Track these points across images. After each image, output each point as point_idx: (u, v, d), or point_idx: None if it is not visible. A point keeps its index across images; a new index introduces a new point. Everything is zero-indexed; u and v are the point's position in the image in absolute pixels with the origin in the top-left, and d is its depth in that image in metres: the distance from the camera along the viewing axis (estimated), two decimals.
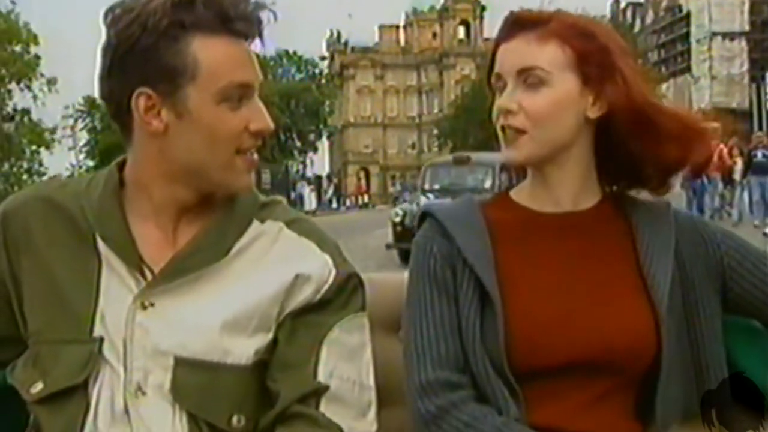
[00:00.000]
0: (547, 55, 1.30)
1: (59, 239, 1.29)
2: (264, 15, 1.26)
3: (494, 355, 1.26)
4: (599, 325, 1.28)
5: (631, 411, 1.30)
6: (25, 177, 37.44)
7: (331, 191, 54.81)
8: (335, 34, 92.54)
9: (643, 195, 1.43)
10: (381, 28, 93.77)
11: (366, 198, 61.62)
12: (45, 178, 39.77)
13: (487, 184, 13.34)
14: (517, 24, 1.34)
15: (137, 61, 1.21)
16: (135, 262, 1.26)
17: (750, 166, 15.74)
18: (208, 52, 1.21)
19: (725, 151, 16.72)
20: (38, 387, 1.25)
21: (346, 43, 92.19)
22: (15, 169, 37.85)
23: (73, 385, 1.23)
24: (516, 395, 1.26)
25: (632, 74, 1.32)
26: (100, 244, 1.27)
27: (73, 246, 1.29)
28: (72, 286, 1.27)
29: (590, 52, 1.31)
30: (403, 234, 12.73)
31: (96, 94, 1.30)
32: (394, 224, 13.52)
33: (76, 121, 42.43)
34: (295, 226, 1.33)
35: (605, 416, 1.28)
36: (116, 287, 1.26)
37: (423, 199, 13.39)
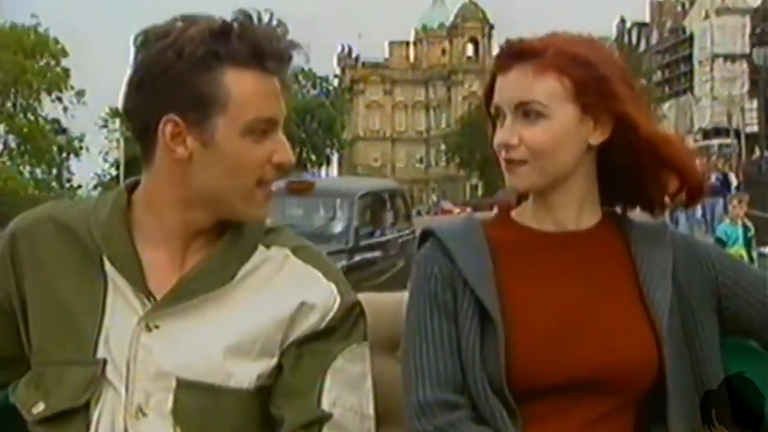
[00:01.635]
0: (544, 88, 1.29)
1: (66, 259, 1.30)
2: (295, 53, 1.28)
3: (494, 376, 1.26)
4: (601, 344, 1.28)
5: (631, 431, 1.31)
6: (54, 184, 39.12)
7: None
8: (346, 50, 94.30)
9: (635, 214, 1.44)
10: (391, 44, 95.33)
11: None
12: (70, 185, 41.59)
13: (338, 227, 8.68)
14: (514, 55, 1.33)
15: (169, 87, 1.22)
16: (141, 284, 1.26)
17: None
18: (240, 85, 1.23)
19: None
20: (40, 407, 1.26)
21: (357, 59, 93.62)
22: (45, 176, 39.40)
23: (75, 406, 1.24)
24: (514, 416, 1.25)
25: (631, 101, 1.31)
26: (107, 265, 1.28)
27: (80, 266, 1.29)
28: (78, 307, 1.27)
29: (589, 81, 1.30)
30: None
31: (120, 107, 1.31)
32: None
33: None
34: (301, 253, 1.34)
35: None
36: (121, 309, 1.26)
37: None
